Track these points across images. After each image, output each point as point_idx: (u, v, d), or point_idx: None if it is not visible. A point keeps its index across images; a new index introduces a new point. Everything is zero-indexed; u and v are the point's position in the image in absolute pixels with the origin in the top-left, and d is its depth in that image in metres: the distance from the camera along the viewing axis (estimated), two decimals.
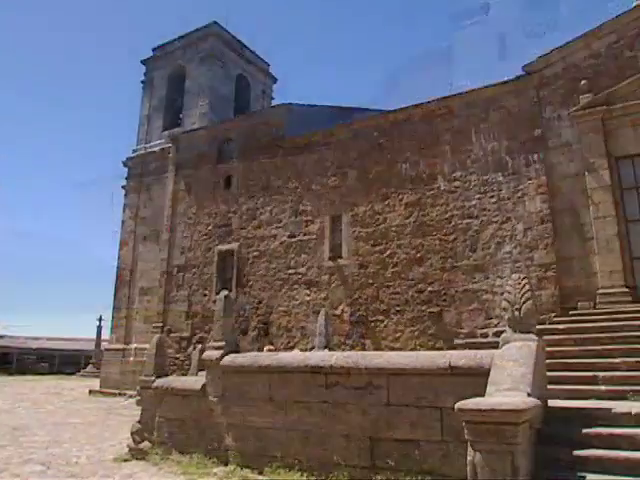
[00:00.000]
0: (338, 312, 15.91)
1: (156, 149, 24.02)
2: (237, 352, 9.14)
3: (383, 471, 6.88)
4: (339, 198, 16.89)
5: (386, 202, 15.98)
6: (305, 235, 17.18)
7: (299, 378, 7.89)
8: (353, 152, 17.01)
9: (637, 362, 9.01)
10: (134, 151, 25.21)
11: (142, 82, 26.47)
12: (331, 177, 17.20)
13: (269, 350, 13.41)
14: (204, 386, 8.91)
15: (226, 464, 8.08)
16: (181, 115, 24.77)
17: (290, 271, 17.16)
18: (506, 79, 15.14)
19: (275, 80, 28.85)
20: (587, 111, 13.75)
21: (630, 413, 6.36)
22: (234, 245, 18.71)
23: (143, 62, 26.58)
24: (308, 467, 7.42)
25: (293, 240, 17.39)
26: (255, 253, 18.11)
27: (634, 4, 14.12)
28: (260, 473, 7.66)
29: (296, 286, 16.92)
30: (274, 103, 27.08)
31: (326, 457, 7.35)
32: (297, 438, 7.68)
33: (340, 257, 16.43)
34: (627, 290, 12.47)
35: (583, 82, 13.93)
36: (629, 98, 13.46)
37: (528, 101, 14.73)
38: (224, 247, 18.96)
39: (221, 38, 25.23)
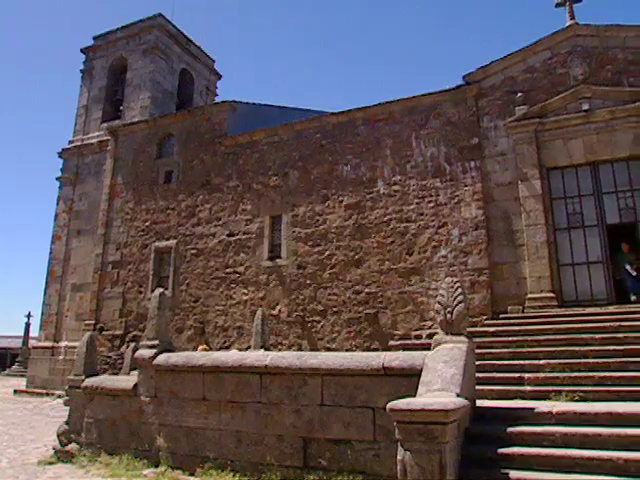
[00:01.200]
0: (275, 312, 15.89)
1: (94, 141, 23.25)
2: (171, 351, 8.96)
3: (315, 471, 6.91)
4: (280, 198, 16.88)
5: (326, 203, 16.09)
6: (244, 234, 17.06)
7: (234, 378, 7.83)
8: (295, 152, 17.04)
9: (560, 364, 9.43)
10: (70, 142, 24.32)
11: (81, 71, 25.51)
12: (272, 177, 17.16)
13: (203, 350, 13.23)
14: (136, 386, 8.69)
15: (157, 465, 7.91)
16: (121, 107, 24.05)
17: (228, 270, 17.00)
18: (447, 87, 15.53)
19: (220, 77, 28.49)
20: (521, 123, 14.32)
21: (551, 412, 6.66)
22: (172, 242, 18.37)
23: (83, 50, 25.63)
24: (241, 468, 7.38)
25: (232, 239, 17.23)
26: (193, 251, 17.84)
27: (567, 24, 14.78)
28: (192, 474, 7.55)
29: (234, 285, 16.78)
30: (218, 100, 26.73)
31: (259, 457, 7.33)
32: (230, 438, 7.63)
33: (279, 257, 16.42)
34: (553, 295, 13.07)
35: (519, 95, 14.49)
36: (560, 112, 14.11)
37: (467, 110, 15.16)
38: (161, 244, 18.58)
39: (166, 31, 24.67)
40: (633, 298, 12.67)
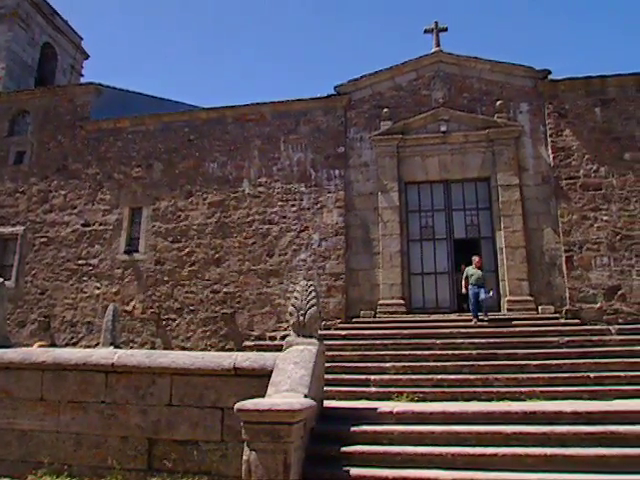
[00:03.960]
0: (129, 308, 15.25)
1: None
2: (8, 347, 8.28)
3: (160, 473, 6.73)
4: (142, 190, 16.24)
5: (190, 199, 15.75)
6: (101, 225, 16.18)
7: (77, 377, 7.37)
8: (162, 145, 16.51)
9: (404, 366, 10.03)
10: None
11: None
12: (135, 167, 16.47)
13: (40, 346, 12.23)
14: None
15: None
16: None
17: (81, 262, 16.01)
18: (318, 95, 15.90)
19: (87, 56, 26.64)
20: (385, 137, 15.06)
21: (392, 412, 7.05)
22: (19, 229, 16.92)
23: None
24: (79, 472, 6.96)
25: (87, 229, 16.25)
26: (43, 239, 16.58)
27: (432, 50, 15.79)
28: None
29: (85, 278, 15.84)
30: (83, 81, 25.09)
31: (100, 461, 6.96)
32: (69, 441, 7.16)
33: (136, 251, 15.76)
34: (403, 302, 13.88)
35: (385, 110, 15.23)
36: (420, 131, 15.05)
37: (336, 119, 15.62)
38: (6, 230, 17.03)
39: None
40: (474, 322, 12.53)
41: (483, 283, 12.79)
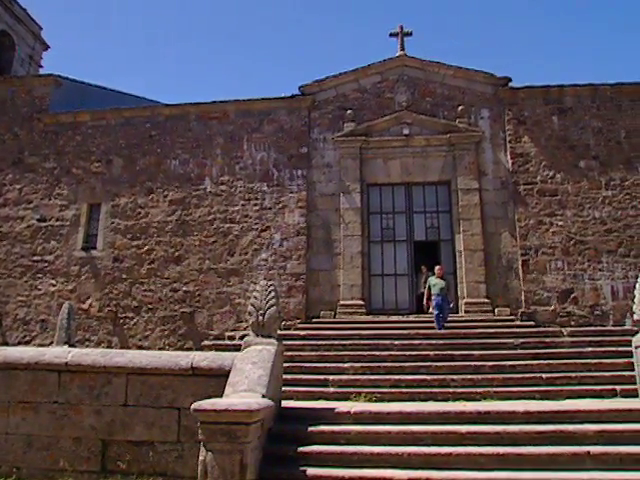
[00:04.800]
0: (86, 306, 14.93)
1: None
2: None
3: (114, 475, 6.61)
4: (101, 186, 15.92)
5: (150, 196, 15.52)
6: (58, 221, 15.78)
7: (28, 376, 7.16)
8: (122, 140, 16.21)
9: (362, 367, 10.10)
10: None
11: None
12: (95, 162, 16.13)
13: None
14: None
15: None
16: None
17: (36, 258, 15.58)
18: (283, 95, 15.88)
19: (47, 47, 25.97)
20: (348, 139, 15.15)
21: (349, 412, 7.08)
22: None
23: None
24: (29, 475, 6.77)
25: (43, 225, 15.83)
26: None
27: (397, 54, 15.96)
28: None
29: (40, 275, 15.42)
30: (43, 73, 24.40)
31: (51, 463, 6.79)
32: (19, 443, 6.95)
33: (94, 248, 15.43)
34: (363, 303, 13.98)
35: (349, 112, 15.31)
36: (383, 134, 15.20)
37: (300, 119, 15.63)
38: None
39: None
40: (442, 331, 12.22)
41: (446, 294, 12.64)
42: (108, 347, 14.18)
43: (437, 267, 13.28)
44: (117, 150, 16.15)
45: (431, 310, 12.65)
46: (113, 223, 15.49)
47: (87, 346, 14.05)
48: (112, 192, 15.77)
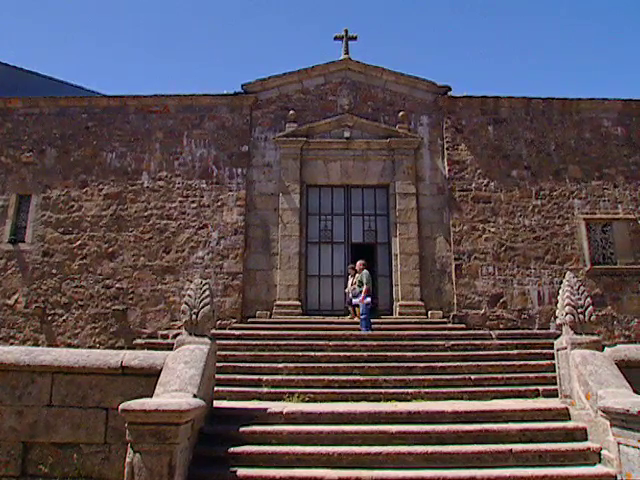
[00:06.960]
0: (11, 302, 14.29)
1: None
2: None
3: (35, 479, 6.41)
4: (32, 177, 15.27)
5: (84, 190, 15.01)
6: None
7: None
8: (57, 130, 15.61)
9: (296, 367, 10.12)
10: None
11: None
12: (26, 152, 15.45)
13: None
14: None
15: None
16: None
17: None
18: (225, 92, 15.73)
19: None
20: (290, 139, 15.17)
21: (282, 412, 7.12)
22: None
23: None
24: None
25: None
26: None
27: (341, 57, 16.10)
28: None
29: None
30: None
31: None
32: None
33: (22, 241, 14.77)
34: (299, 303, 14.03)
35: (291, 112, 15.34)
36: (325, 136, 15.32)
37: (241, 118, 15.52)
38: None
39: None
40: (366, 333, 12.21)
41: (370, 288, 12.77)
42: (35, 345, 13.65)
43: (358, 262, 13.34)
44: (51, 140, 15.55)
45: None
46: (44, 216, 14.90)
47: (12, 344, 13.47)
48: (44, 183, 15.16)
